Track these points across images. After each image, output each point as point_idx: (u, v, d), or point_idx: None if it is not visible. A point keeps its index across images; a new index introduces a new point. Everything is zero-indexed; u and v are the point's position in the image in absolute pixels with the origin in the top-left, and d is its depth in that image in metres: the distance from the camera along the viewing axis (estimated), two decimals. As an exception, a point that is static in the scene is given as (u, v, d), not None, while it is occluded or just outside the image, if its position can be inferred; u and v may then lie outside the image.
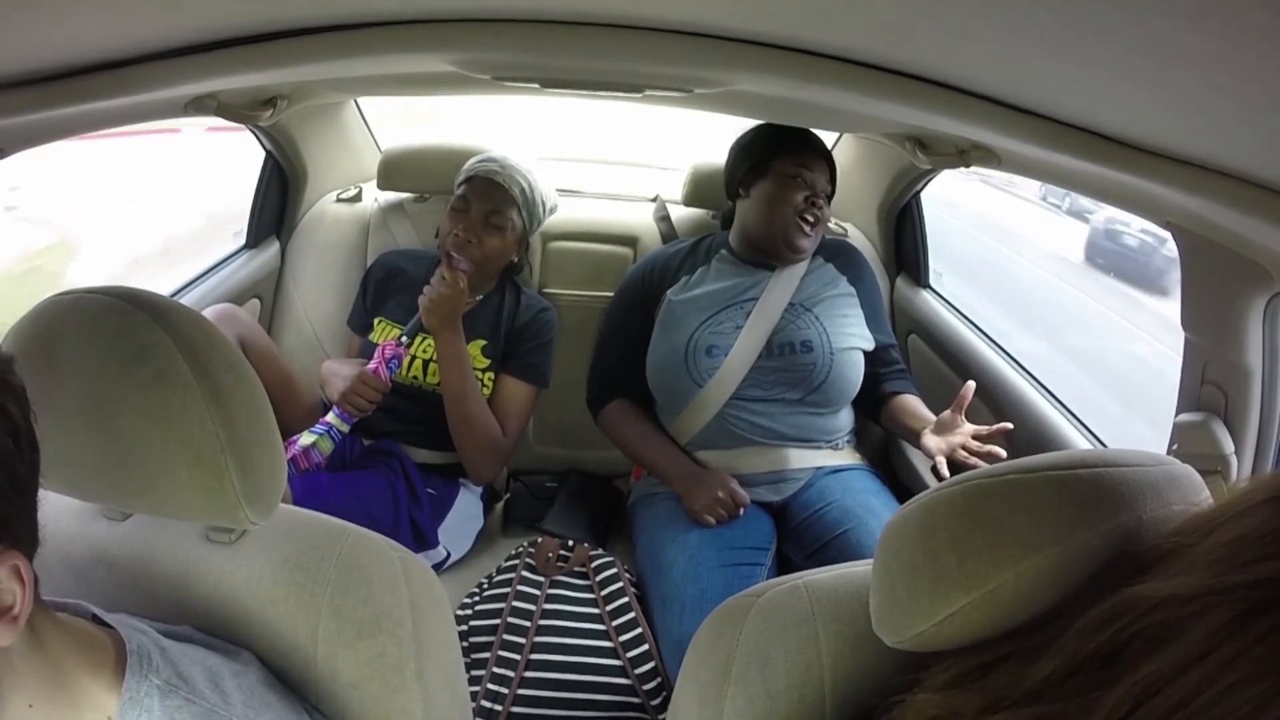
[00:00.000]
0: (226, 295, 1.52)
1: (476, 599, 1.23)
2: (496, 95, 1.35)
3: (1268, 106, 0.46)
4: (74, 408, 0.52)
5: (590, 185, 1.90)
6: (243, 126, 1.33)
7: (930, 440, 1.17)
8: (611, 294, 1.51)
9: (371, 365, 1.32)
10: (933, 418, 1.23)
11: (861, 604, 0.57)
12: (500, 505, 1.61)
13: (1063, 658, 0.41)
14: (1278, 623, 0.33)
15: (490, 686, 1.12)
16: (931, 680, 0.49)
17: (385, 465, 1.36)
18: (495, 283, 1.47)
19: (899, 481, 1.57)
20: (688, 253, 1.46)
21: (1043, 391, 1.37)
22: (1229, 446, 0.89)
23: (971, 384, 1.16)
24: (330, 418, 1.30)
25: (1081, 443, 1.25)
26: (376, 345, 1.36)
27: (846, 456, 1.38)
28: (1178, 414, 0.95)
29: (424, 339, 1.40)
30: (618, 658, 1.15)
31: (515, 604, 1.19)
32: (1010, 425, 1.13)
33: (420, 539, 1.33)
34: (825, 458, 1.35)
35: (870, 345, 1.39)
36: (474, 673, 1.13)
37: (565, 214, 1.63)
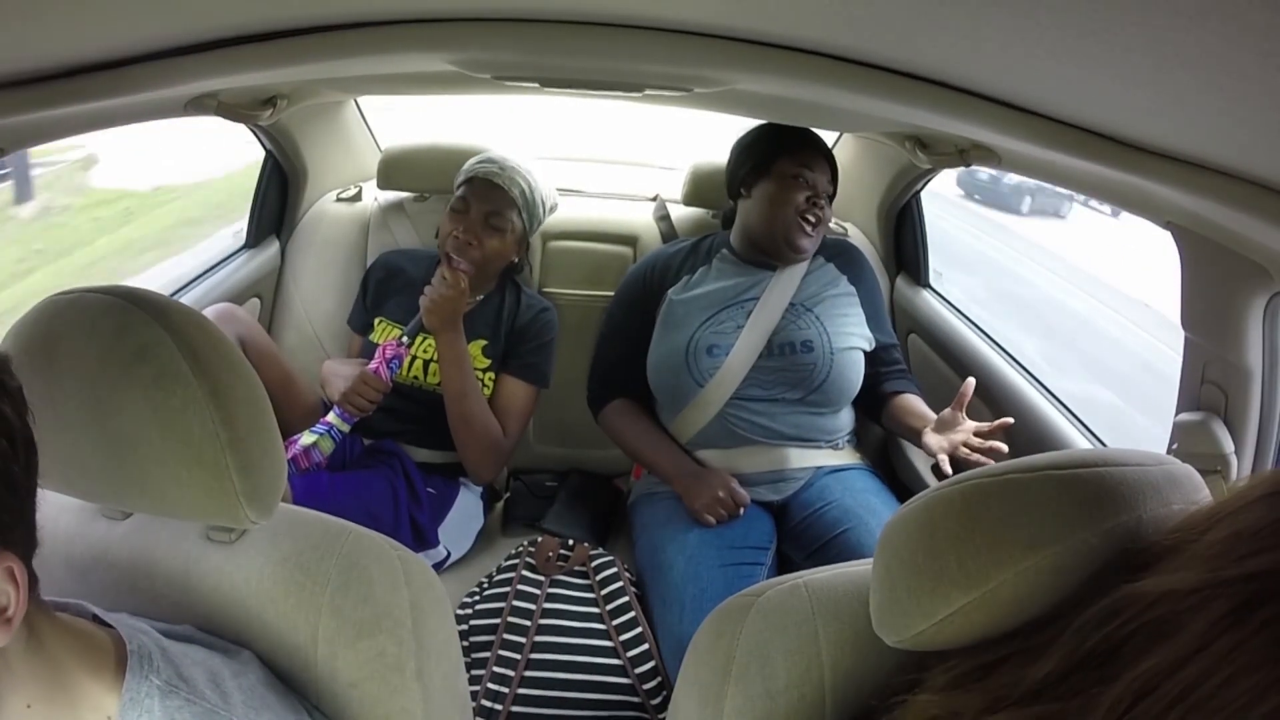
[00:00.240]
0: (226, 295, 1.52)
1: (476, 598, 1.23)
2: (496, 95, 1.35)
3: (1268, 106, 0.46)
4: (74, 407, 0.52)
5: (590, 184, 1.90)
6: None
7: (932, 438, 1.17)
8: (611, 293, 1.51)
9: (372, 365, 1.32)
10: (934, 416, 1.23)
11: (861, 603, 0.57)
12: (500, 504, 1.61)
13: (1062, 656, 0.41)
14: (1274, 614, 0.34)
15: (490, 686, 1.12)
16: (932, 681, 0.49)
17: (385, 465, 1.36)
18: (496, 283, 1.47)
19: (899, 481, 1.57)
20: (689, 252, 1.46)
21: (1043, 391, 1.37)
22: (1229, 446, 0.89)
23: (971, 381, 1.15)
24: (331, 417, 1.30)
25: (1081, 443, 1.25)
26: (377, 345, 1.36)
27: (847, 456, 1.38)
28: (1178, 413, 0.95)
29: (424, 339, 1.40)
30: (618, 657, 1.15)
31: (515, 603, 1.19)
32: (1011, 420, 1.13)
33: (420, 538, 1.33)
34: (825, 457, 1.35)
35: (870, 345, 1.39)
36: (474, 672, 1.13)
37: (565, 213, 1.63)
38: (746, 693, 0.58)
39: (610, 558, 1.29)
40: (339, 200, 1.77)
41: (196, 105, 0.98)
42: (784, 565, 1.29)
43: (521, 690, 1.12)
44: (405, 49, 0.80)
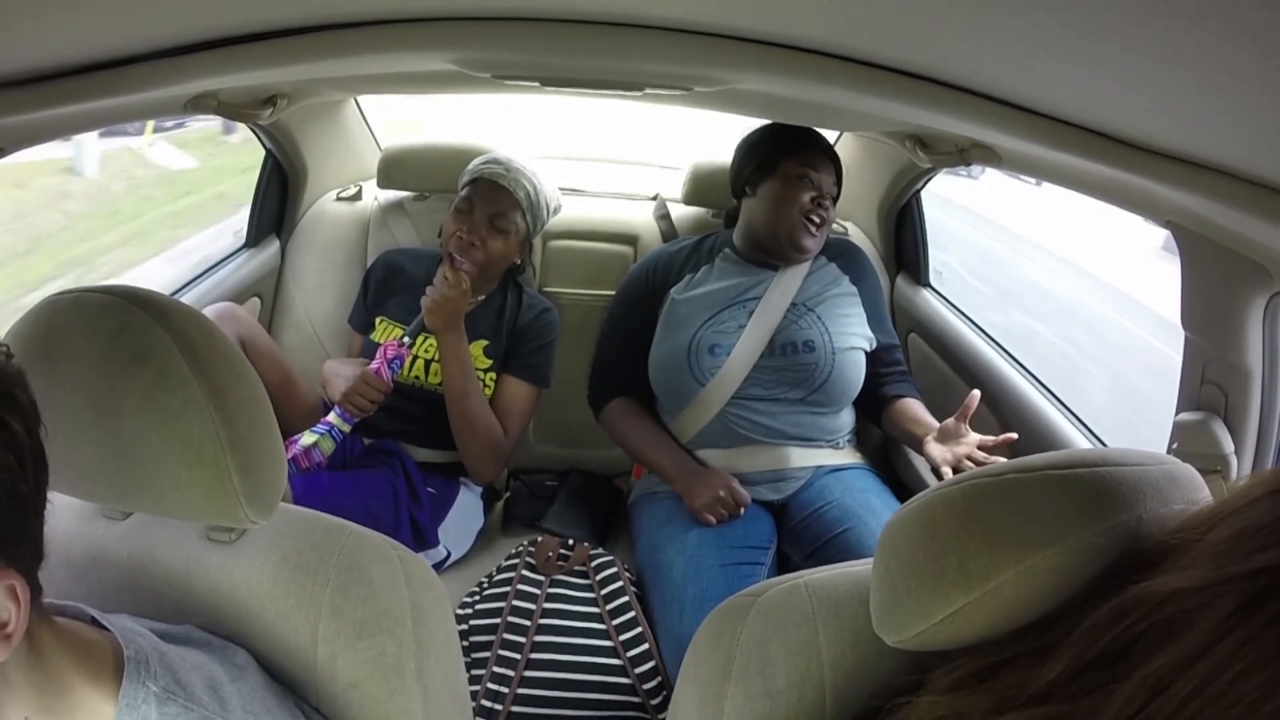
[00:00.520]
0: (227, 294, 1.52)
1: (476, 598, 1.23)
2: (497, 94, 1.35)
3: (1267, 106, 0.46)
4: (74, 407, 0.52)
5: (591, 184, 1.90)
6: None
7: (935, 449, 1.16)
8: (612, 293, 1.51)
9: (373, 365, 1.32)
10: (935, 424, 1.23)
11: (862, 603, 0.57)
12: (500, 504, 1.60)
13: (1071, 657, 0.41)
14: None
15: (490, 686, 1.12)
16: (936, 681, 0.49)
17: (386, 464, 1.36)
18: (497, 283, 1.47)
19: (899, 481, 1.57)
20: (691, 251, 1.46)
21: (1043, 391, 1.37)
22: (1229, 446, 0.89)
23: (976, 393, 1.14)
24: (332, 417, 1.30)
25: (1081, 442, 1.25)
26: (377, 345, 1.36)
27: (847, 456, 1.38)
28: (1178, 413, 0.95)
29: (426, 339, 1.40)
30: (618, 657, 1.15)
31: (515, 603, 1.19)
32: (1015, 436, 1.11)
33: (420, 538, 1.33)
34: (826, 457, 1.35)
35: (871, 345, 1.39)
36: (474, 672, 1.13)
37: (566, 213, 1.63)
38: (746, 693, 0.58)
39: (610, 557, 1.29)
40: (339, 199, 1.77)
41: (196, 105, 0.98)
42: (784, 565, 1.29)
43: (521, 690, 1.12)
44: (405, 48, 0.80)
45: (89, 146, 4.19)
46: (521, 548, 1.31)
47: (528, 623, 1.17)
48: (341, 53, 0.78)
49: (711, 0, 0.68)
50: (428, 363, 1.40)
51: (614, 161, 2.34)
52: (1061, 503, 0.46)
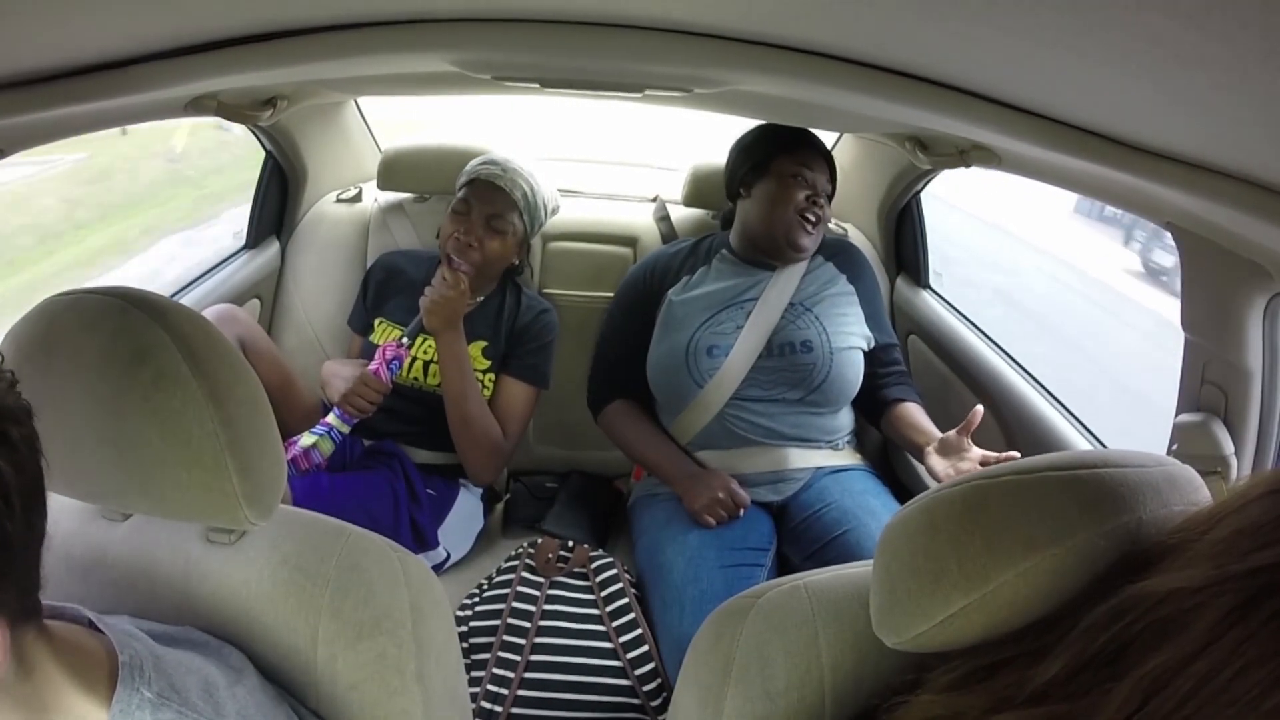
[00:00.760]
0: (226, 295, 1.52)
1: (476, 600, 1.23)
2: (497, 95, 1.35)
3: (1268, 106, 0.46)
4: (74, 408, 0.52)
5: (590, 185, 1.90)
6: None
7: (937, 463, 1.16)
8: (611, 294, 1.51)
9: (372, 366, 1.32)
10: (936, 431, 1.22)
11: (861, 605, 0.57)
12: (500, 506, 1.60)
13: (1069, 656, 0.41)
14: None
15: (490, 687, 1.11)
16: (934, 681, 0.49)
17: (385, 466, 1.36)
18: (496, 284, 1.47)
19: (899, 481, 1.57)
20: (688, 253, 1.46)
21: (1043, 392, 1.37)
22: (1229, 447, 0.89)
23: (980, 408, 1.14)
24: (331, 419, 1.30)
25: (1081, 443, 1.25)
26: (377, 346, 1.36)
27: (846, 457, 1.38)
28: (1178, 414, 0.95)
29: (425, 340, 1.40)
30: (618, 658, 1.15)
31: (515, 605, 1.19)
32: (1018, 454, 1.11)
33: (420, 540, 1.33)
34: (825, 458, 1.35)
35: (869, 344, 1.39)
36: (474, 673, 1.13)
37: (565, 214, 1.63)
38: (746, 694, 0.58)
39: (610, 559, 1.29)
40: (339, 201, 1.77)
41: (196, 105, 0.98)
42: (783, 567, 1.29)
43: (521, 692, 1.12)
44: (405, 49, 0.80)
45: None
46: (521, 549, 1.31)
47: (527, 624, 1.17)
48: (341, 54, 0.78)
49: (712, 1, 0.68)
50: (427, 364, 1.40)
51: (613, 163, 2.34)
52: (1061, 504, 0.46)
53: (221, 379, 0.55)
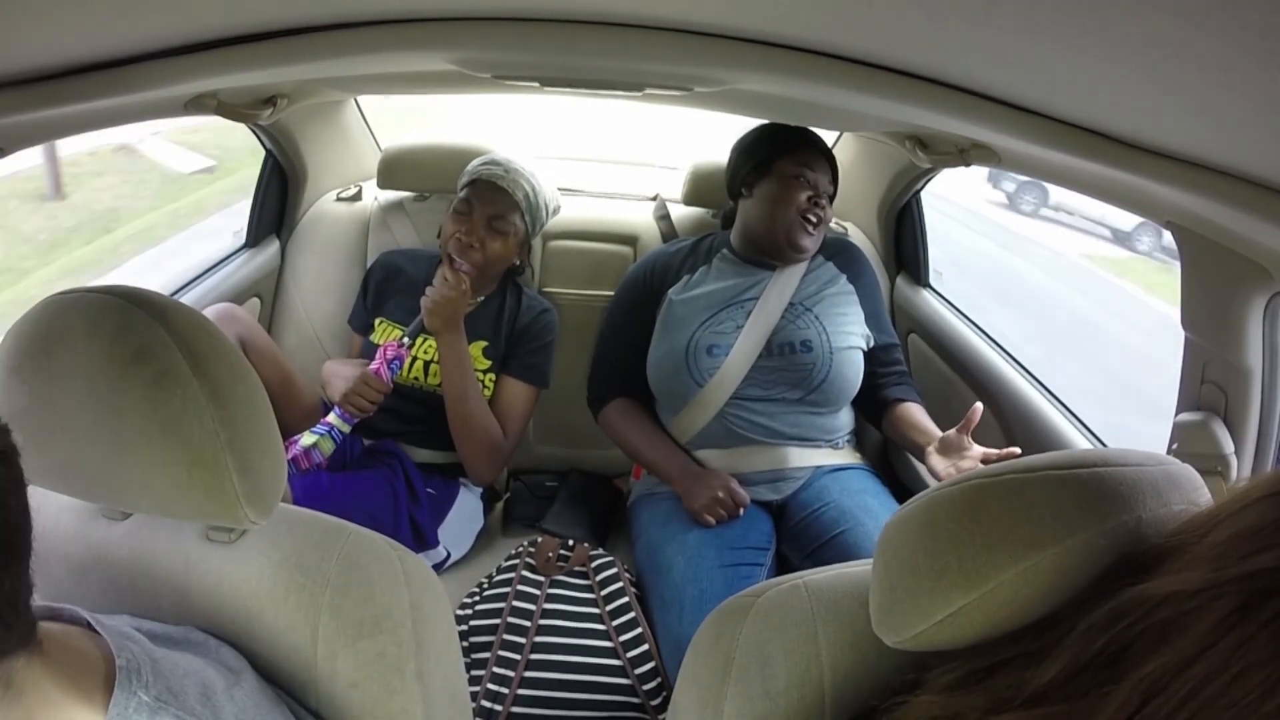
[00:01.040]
0: (226, 295, 1.52)
1: (476, 599, 1.23)
2: (497, 94, 1.35)
3: (1268, 106, 0.46)
4: (74, 407, 0.52)
5: (590, 184, 1.90)
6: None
7: (938, 462, 1.16)
8: (611, 293, 1.51)
9: (373, 366, 1.32)
10: (936, 431, 1.22)
11: (861, 604, 0.57)
12: (500, 505, 1.60)
13: (1068, 658, 0.41)
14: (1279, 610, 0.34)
15: (490, 686, 1.12)
16: (934, 681, 0.49)
17: (385, 465, 1.36)
18: (497, 284, 1.47)
19: (899, 481, 1.57)
20: (689, 252, 1.46)
21: (1043, 391, 1.37)
22: (1229, 446, 0.89)
23: (979, 406, 1.13)
24: (331, 418, 1.30)
25: (1081, 442, 1.25)
26: (377, 345, 1.36)
27: (846, 456, 1.38)
28: (1178, 414, 0.95)
29: (425, 340, 1.40)
30: (618, 658, 1.15)
31: (515, 604, 1.19)
32: (1019, 450, 1.11)
33: (420, 539, 1.33)
34: (825, 457, 1.35)
35: (869, 344, 1.39)
36: (474, 673, 1.13)
37: (565, 213, 1.63)
38: (746, 693, 0.58)
39: (610, 558, 1.29)
40: (339, 200, 1.77)
41: (196, 105, 0.98)
42: (782, 566, 1.29)
43: (521, 691, 1.12)
44: (405, 49, 0.80)
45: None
46: (521, 548, 1.31)
47: (528, 623, 1.17)
48: (342, 53, 0.78)
49: (711, 0, 0.68)
50: (427, 364, 1.40)
51: (614, 162, 2.34)
52: (1061, 503, 0.46)
53: (222, 378, 0.55)
